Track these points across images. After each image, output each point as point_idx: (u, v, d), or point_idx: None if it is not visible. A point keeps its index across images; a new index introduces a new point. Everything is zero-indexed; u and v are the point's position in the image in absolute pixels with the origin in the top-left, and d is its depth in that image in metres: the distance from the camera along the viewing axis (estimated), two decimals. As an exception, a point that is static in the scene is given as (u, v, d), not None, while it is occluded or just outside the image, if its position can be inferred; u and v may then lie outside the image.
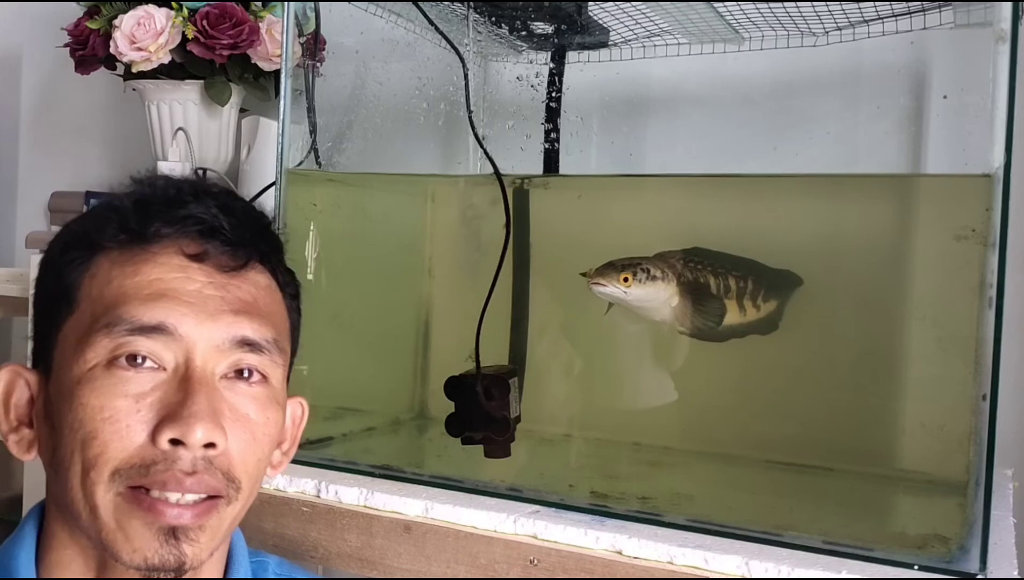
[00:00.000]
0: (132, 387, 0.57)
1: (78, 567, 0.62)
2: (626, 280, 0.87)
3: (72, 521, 0.60)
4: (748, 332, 0.95)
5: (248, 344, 0.60)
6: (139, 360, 0.57)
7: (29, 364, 0.64)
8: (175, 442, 0.56)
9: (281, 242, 0.68)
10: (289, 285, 0.67)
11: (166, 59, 1.32)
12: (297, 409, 0.70)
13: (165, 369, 0.58)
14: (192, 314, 0.58)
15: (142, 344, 0.57)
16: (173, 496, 0.56)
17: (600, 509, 0.79)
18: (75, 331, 0.59)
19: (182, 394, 0.57)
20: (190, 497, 0.57)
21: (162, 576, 0.57)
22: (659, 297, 0.90)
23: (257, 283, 0.63)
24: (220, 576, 0.66)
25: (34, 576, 0.61)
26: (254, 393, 0.61)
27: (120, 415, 0.56)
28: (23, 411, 0.62)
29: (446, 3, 1.06)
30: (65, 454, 0.57)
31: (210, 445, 0.57)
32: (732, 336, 0.95)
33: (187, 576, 0.61)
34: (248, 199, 1.28)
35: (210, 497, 0.58)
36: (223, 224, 0.61)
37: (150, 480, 0.56)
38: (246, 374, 0.60)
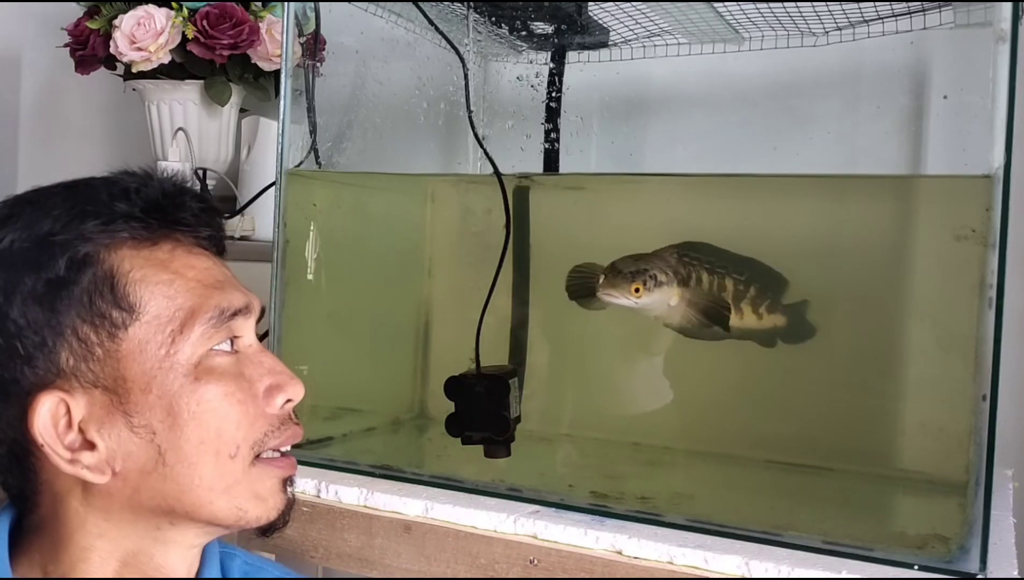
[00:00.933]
0: (237, 368, 0.63)
1: (110, 571, 0.63)
2: (637, 290, 0.87)
3: (142, 526, 0.62)
4: (746, 337, 0.94)
5: (263, 309, 0.68)
6: (231, 343, 0.64)
7: None
8: (287, 402, 0.65)
9: None
10: None
11: (166, 59, 1.32)
12: None
13: (240, 347, 0.65)
14: (245, 292, 0.66)
15: (240, 325, 0.64)
16: (286, 447, 0.66)
17: (600, 509, 0.79)
18: (158, 331, 0.60)
19: (265, 364, 0.65)
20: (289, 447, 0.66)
21: (276, 527, 0.65)
22: (664, 301, 0.90)
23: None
24: (195, 563, 0.68)
25: (10, 577, 0.62)
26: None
27: (240, 395, 0.62)
28: (65, 435, 0.59)
29: (446, 3, 1.06)
30: (189, 450, 0.61)
31: None
32: (727, 337, 0.95)
33: (193, 578, 0.65)
34: (248, 199, 1.30)
35: None
36: (212, 214, 0.68)
37: (283, 439, 0.65)
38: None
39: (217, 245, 0.68)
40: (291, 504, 0.66)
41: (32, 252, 0.59)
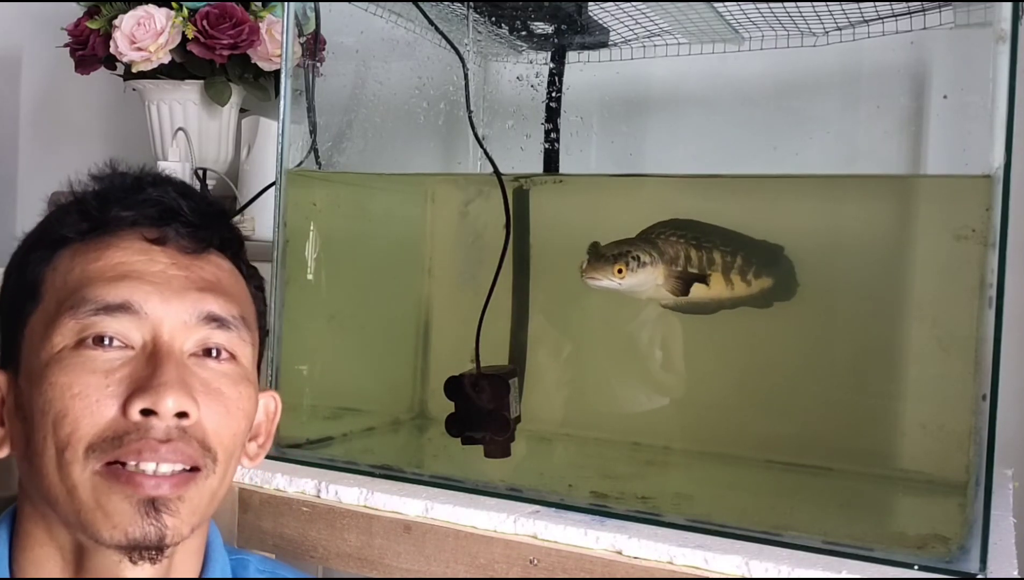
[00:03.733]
0: (100, 364, 0.57)
1: (55, 565, 0.61)
2: (620, 271, 0.88)
3: (49, 512, 0.60)
4: (739, 304, 0.95)
5: (215, 319, 0.61)
6: (106, 341, 0.58)
7: None
8: (146, 412, 0.56)
9: (241, 235, 0.69)
10: (253, 277, 0.69)
11: (166, 59, 1.32)
12: (271, 403, 0.70)
13: (133, 347, 0.59)
14: (157, 292, 0.59)
15: (108, 324, 0.58)
16: (150, 467, 0.56)
17: (600, 509, 0.79)
18: (42, 321, 0.60)
19: (151, 367, 0.58)
20: (166, 467, 0.57)
21: (144, 552, 0.57)
22: (649, 281, 0.91)
23: (220, 266, 0.65)
24: (196, 576, 0.66)
25: (8, 577, 0.61)
26: (224, 370, 0.61)
27: (90, 390, 0.57)
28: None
29: (446, 3, 1.06)
30: (38, 440, 0.58)
31: (182, 415, 0.57)
32: (721, 308, 0.95)
33: (162, 577, 0.62)
34: (248, 199, 1.29)
35: (188, 470, 0.58)
36: (182, 207, 0.62)
37: (124, 451, 0.56)
38: (214, 353, 0.61)
39: (174, 240, 0.62)
40: (162, 532, 0.56)
41: (19, 247, 0.65)
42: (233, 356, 0.62)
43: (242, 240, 0.69)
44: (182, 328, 0.60)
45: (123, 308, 0.58)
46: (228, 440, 0.61)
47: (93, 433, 0.56)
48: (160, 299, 0.59)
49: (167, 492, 0.57)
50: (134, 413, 0.56)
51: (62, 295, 0.59)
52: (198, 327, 0.60)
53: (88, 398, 0.57)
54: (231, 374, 0.62)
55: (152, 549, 0.57)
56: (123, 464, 0.56)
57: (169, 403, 0.56)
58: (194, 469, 0.58)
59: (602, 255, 0.89)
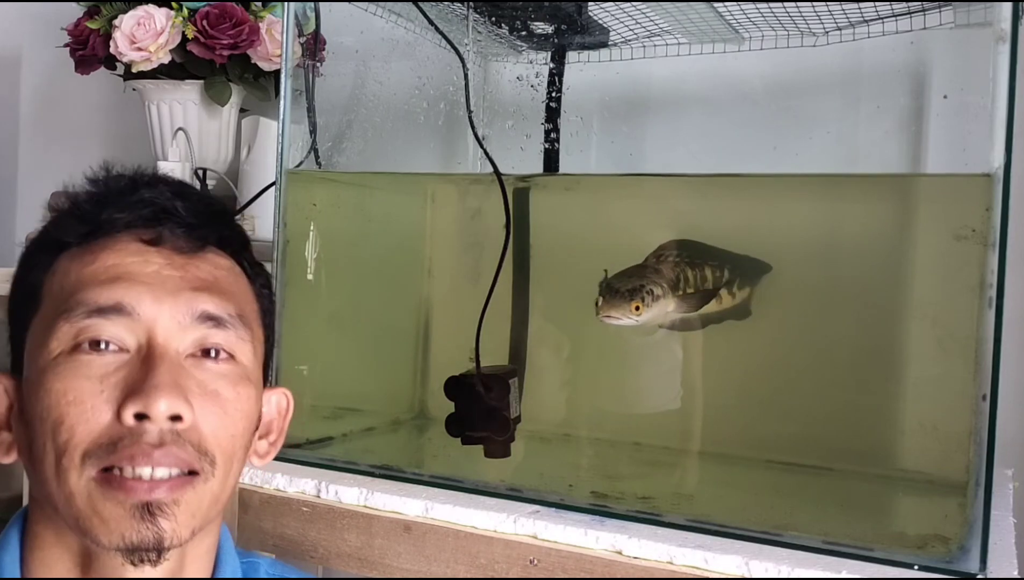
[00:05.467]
0: (95, 369, 0.57)
1: (64, 566, 0.61)
2: (637, 309, 0.87)
3: (54, 516, 0.60)
4: (724, 318, 0.96)
5: (210, 318, 0.60)
6: (101, 344, 0.57)
7: None
8: (140, 416, 0.56)
9: (245, 233, 0.69)
10: (259, 275, 0.68)
11: (166, 59, 1.32)
12: (282, 399, 0.70)
13: (128, 351, 0.58)
14: (150, 293, 0.59)
15: (102, 327, 0.57)
16: (145, 472, 0.56)
17: (600, 509, 0.79)
18: (40, 326, 0.60)
19: (145, 371, 0.57)
20: (161, 472, 0.56)
21: (143, 555, 0.57)
22: (663, 311, 0.91)
23: (217, 264, 0.63)
24: (207, 577, 0.66)
25: (19, 578, 0.62)
26: (222, 370, 0.60)
27: (84, 396, 0.56)
28: (2, 416, 0.62)
29: (446, 3, 1.06)
30: (39, 446, 0.58)
31: (176, 418, 0.56)
32: (710, 323, 0.96)
33: (172, 577, 0.62)
34: (248, 199, 1.29)
35: (185, 474, 0.57)
36: (177, 207, 0.62)
37: (118, 457, 0.55)
38: (212, 353, 0.60)
39: (172, 240, 0.61)
40: (159, 535, 0.56)
41: (24, 252, 0.65)
42: (231, 356, 0.61)
43: (245, 238, 0.68)
44: (177, 329, 0.59)
45: (116, 310, 0.58)
46: (226, 442, 0.60)
47: (89, 439, 0.56)
48: (153, 299, 0.58)
49: (162, 496, 0.56)
50: (127, 417, 0.56)
51: (58, 300, 0.59)
52: (194, 327, 0.59)
53: (83, 404, 0.56)
54: (229, 374, 0.61)
55: (151, 551, 0.56)
56: (119, 470, 0.56)
57: (162, 406, 0.55)
58: (191, 473, 0.58)
59: (616, 291, 0.88)
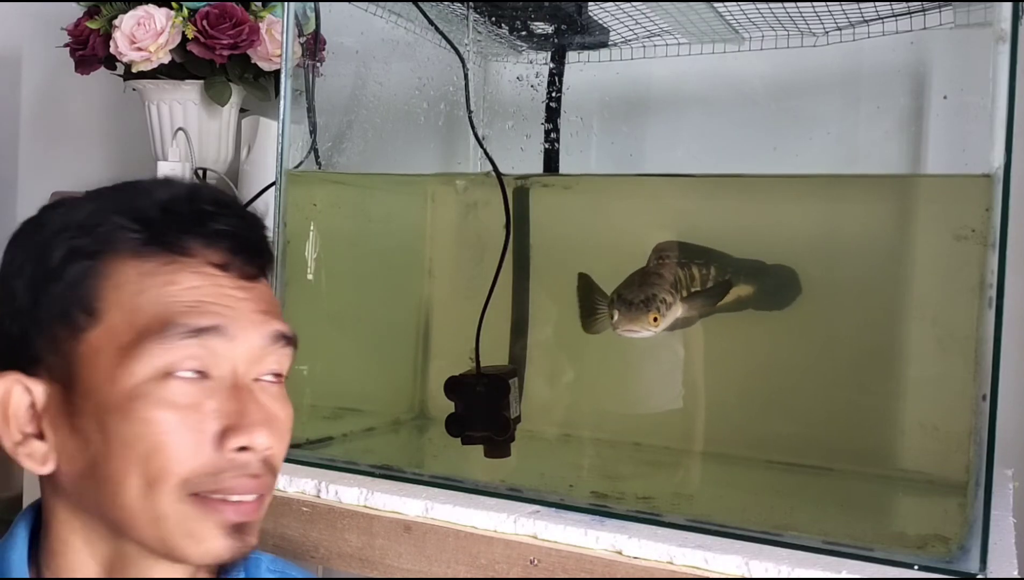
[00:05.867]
0: (190, 397, 0.58)
1: (88, 570, 0.62)
2: (655, 320, 0.87)
3: (96, 525, 0.61)
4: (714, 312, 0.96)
5: (282, 337, 0.63)
6: (192, 370, 0.59)
7: None
8: (242, 449, 0.59)
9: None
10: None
11: (166, 59, 1.32)
12: None
13: (213, 377, 0.60)
14: (234, 317, 0.60)
15: (196, 350, 0.59)
16: (236, 496, 0.60)
17: (600, 509, 0.79)
18: (111, 342, 0.58)
19: (238, 402, 0.60)
20: (249, 496, 0.60)
21: (222, 567, 0.63)
22: (674, 316, 0.91)
23: (267, 285, 0.66)
24: (214, 576, 0.67)
25: (27, 577, 0.62)
26: (275, 392, 0.63)
27: (183, 427, 0.58)
28: (24, 421, 0.60)
29: (446, 3, 1.06)
30: (116, 467, 0.58)
31: (267, 448, 0.61)
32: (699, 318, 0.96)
33: (185, 577, 0.63)
34: (248, 199, 1.30)
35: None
36: (247, 237, 0.64)
37: (223, 487, 0.59)
38: (273, 377, 0.63)
39: (240, 267, 0.62)
40: (243, 549, 0.60)
41: (44, 243, 0.61)
42: (280, 376, 0.64)
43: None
44: (257, 352, 0.61)
45: (214, 333, 0.59)
46: (280, 462, 0.64)
47: (189, 469, 0.58)
48: (240, 324, 0.61)
49: (251, 517, 0.61)
50: (229, 450, 0.59)
51: (137, 318, 0.58)
52: (268, 349, 0.62)
53: (183, 435, 0.58)
54: (280, 396, 0.64)
55: (239, 562, 0.62)
56: (220, 495, 0.59)
57: (263, 441, 0.59)
58: (266, 495, 0.63)
59: (631, 303, 0.88)
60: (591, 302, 0.95)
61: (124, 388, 0.57)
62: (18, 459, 0.60)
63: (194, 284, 0.60)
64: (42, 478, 0.63)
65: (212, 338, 0.59)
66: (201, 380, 0.59)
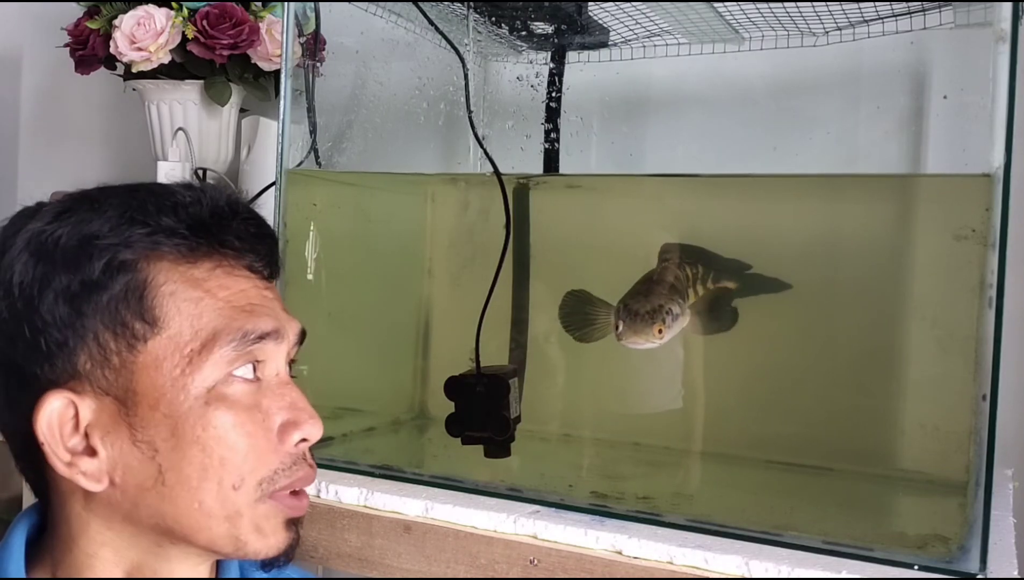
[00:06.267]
0: (253, 397, 0.62)
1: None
2: (660, 331, 0.87)
3: (142, 538, 0.62)
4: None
5: (303, 334, 0.67)
6: (254, 372, 0.62)
7: None
8: (302, 441, 0.63)
9: None
10: None
11: (166, 59, 1.32)
12: None
13: (263, 376, 0.63)
14: (280, 318, 0.64)
15: (263, 353, 0.62)
16: (300, 487, 0.64)
17: (600, 509, 0.79)
18: (176, 349, 0.59)
19: (287, 398, 0.63)
20: (310, 486, 0.66)
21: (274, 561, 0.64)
22: (681, 326, 0.91)
23: (275, 286, 0.68)
24: (212, 575, 0.67)
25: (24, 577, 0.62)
26: (296, 386, 0.66)
27: (253, 428, 0.61)
28: (75, 440, 0.59)
29: (446, 3, 1.06)
30: (190, 474, 0.59)
31: None
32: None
33: (183, 578, 0.64)
34: (248, 199, 1.30)
35: None
36: (270, 237, 0.67)
37: (293, 480, 0.63)
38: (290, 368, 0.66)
39: (267, 269, 0.66)
40: (295, 543, 0.64)
41: (73, 251, 0.59)
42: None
43: None
44: (292, 350, 0.65)
45: (274, 335, 0.62)
46: None
47: (264, 467, 0.61)
48: (285, 325, 0.64)
49: (306, 510, 0.66)
50: (293, 444, 0.63)
51: (201, 323, 0.60)
52: (293, 347, 0.66)
53: (254, 436, 0.61)
54: (298, 389, 0.66)
55: (288, 558, 0.64)
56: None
57: (316, 431, 0.64)
58: None
59: (636, 314, 0.87)
60: (583, 315, 0.95)
61: (197, 394, 0.59)
62: (75, 479, 0.59)
63: (242, 287, 0.62)
64: (60, 491, 0.62)
65: (274, 342, 0.62)
66: (256, 380, 0.62)
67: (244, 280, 0.63)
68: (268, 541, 0.62)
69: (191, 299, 0.60)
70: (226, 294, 0.61)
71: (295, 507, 0.64)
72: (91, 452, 0.59)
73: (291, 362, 0.66)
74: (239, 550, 0.62)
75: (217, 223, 0.62)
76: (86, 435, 0.59)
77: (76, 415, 0.59)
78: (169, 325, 0.59)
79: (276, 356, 0.63)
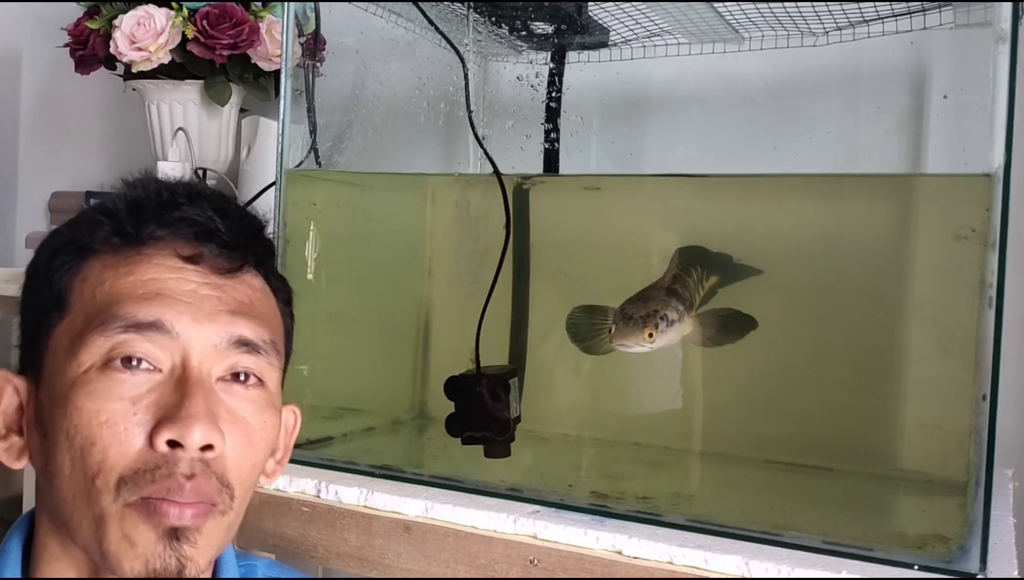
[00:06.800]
0: (128, 389, 0.56)
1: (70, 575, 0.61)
2: (651, 336, 0.87)
3: (64, 532, 0.59)
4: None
5: (245, 344, 0.59)
6: (134, 362, 0.56)
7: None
8: (173, 444, 0.55)
9: (274, 247, 0.68)
10: (282, 291, 0.67)
11: (166, 59, 1.32)
12: (290, 417, 0.68)
13: (160, 370, 0.57)
14: (189, 313, 0.58)
15: (138, 343, 0.56)
16: (171, 498, 0.56)
17: (600, 509, 0.79)
18: (67, 334, 0.58)
19: (179, 395, 0.56)
20: (180, 498, 0.56)
21: None
22: (679, 334, 0.90)
23: (252, 285, 0.63)
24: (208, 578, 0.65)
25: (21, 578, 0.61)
26: (251, 396, 0.60)
27: (117, 418, 0.55)
28: (12, 418, 0.61)
29: (446, 3, 1.06)
30: (62, 462, 0.56)
31: (207, 447, 0.56)
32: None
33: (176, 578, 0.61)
34: (248, 199, 1.30)
35: (208, 504, 0.57)
36: (218, 226, 0.60)
37: (155, 488, 0.55)
38: (243, 378, 0.60)
39: (223, 261, 0.60)
40: (179, 562, 0.56)
41: (40, 248, 0.63)
42: (261, 382, 0.61)
43: (274, 253, 0.68)
44: (212, 352, 0.58)
45: (154, 327, 0.57)
46: (247, 473, 0.60)
47: (123, 464, 0.55)
48: (192, 320, 0.58)
49: (188, 522, 0.56)
50: (161, 444, 0.55)
51: (91, 310, 0.58)
52: (228, 351, 0.59)
53: (116, 426, 0.55)
54: (257, 401, 0.60)
55: (173, 576, 0.56)
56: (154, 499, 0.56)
57: (196, 436, 0.55)
58: (211, 505, 0.57)
59: (630, 318, 0.87)
60: (589, 326, 0.95)
61: (68, 378, 0.56)
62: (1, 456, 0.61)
63: (152, 276, 0.58)
64: (38, 484, 0.62)
65: (154, 333, 0.56)
66: (147, 372, 0.56)
67: (163, 269, 0.58)
68: (136, 552, 0.55)
69: (95, 285, 0.59)
70: (129, 281, 0.58)
71: (164, 514, 0.55)
72: (20, 432, 0.61)
73: (244, 372, 0.59)
74: (107, 562, 0.56)
75: (135, 209, 0.60)
76: (21, 414, 0.61)
77: (17, 395, 0.61)
78: (71, 310, 0.59)
79: (175, 351, 0.57)
